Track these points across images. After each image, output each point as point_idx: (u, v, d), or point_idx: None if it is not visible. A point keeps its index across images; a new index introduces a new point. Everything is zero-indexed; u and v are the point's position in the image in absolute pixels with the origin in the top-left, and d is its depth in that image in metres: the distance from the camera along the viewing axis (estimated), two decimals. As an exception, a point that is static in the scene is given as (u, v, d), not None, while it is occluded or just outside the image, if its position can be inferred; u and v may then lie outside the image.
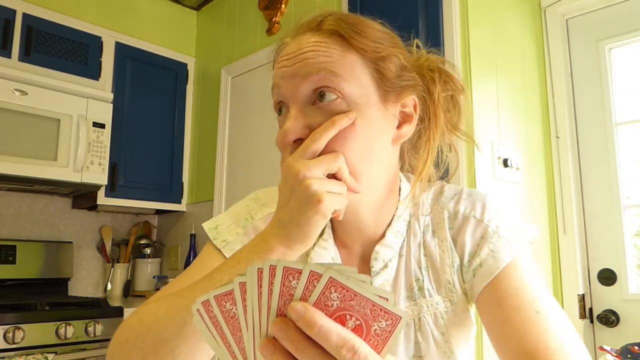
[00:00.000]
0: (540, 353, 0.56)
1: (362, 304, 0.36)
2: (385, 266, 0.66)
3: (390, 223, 0.67)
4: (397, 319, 0.36)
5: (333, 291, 0.36)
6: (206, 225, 0.74)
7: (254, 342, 0.38)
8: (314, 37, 0.61)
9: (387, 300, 0.36)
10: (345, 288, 0.36)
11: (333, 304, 0.36)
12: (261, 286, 0.37)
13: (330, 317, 0.36)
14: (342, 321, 0.36)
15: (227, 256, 0.69)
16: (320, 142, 0.56)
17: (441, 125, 0.67)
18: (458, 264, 0.66)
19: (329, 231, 0.69)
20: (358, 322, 0.36)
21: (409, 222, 0.69)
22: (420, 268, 0.67)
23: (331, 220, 0.69)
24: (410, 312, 0.66)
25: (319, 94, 0.58)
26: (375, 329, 0.36)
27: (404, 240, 0.68)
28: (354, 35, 0.60)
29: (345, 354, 0.35)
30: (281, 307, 0.37)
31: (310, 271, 0.36)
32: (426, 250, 0.68)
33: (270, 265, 0.37)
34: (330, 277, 0.36)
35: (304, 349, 0.36)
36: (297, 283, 0.36)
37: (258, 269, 0.37)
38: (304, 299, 0.36)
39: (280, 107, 0.62)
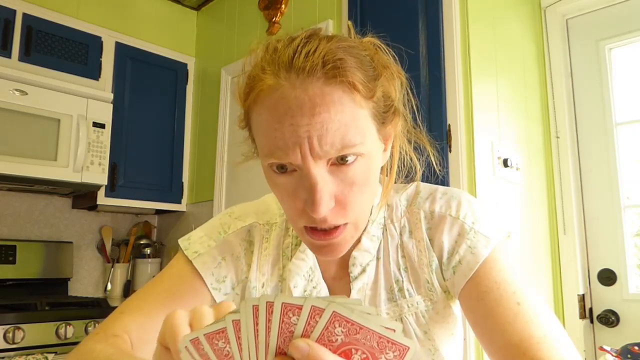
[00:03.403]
0: (525, 343, 0.57)
1: (368, 336, 0.35)
2: (364, 270, 0.67)
3: (365, 228, 0.68)
4: (405, 349, 0.35)
5: (337, 325, 0.35)
6: (181, 240, 0.74)
7: None
8: (317, 87, 0.54)
9: (394, 331, 0.35)
10: (349, 322, 0.35)
11: (337, 339, 0.35)
12: (257, 324, 0.35)
13: (335, 352, 0.35)
14: (347, 356, 0.35)
15: (198, 268, 0.68)
16: None
17: (402, 128, 0.67)
18: (436, 263, 0.66)
19: None
20: (364, 356, 0.35)
21: (385, 225, 0.70)
22: (399, 269, 0.68)
23: None
24: (391, 313, 0.66)
25: (340, 158, 0.55)
26: None
27: (380, 243, 0.69)
28: (357, 80, 0.55)
29: None
30: (280, 345, 0.35)
31: (312, 306, 0.35)
32: (404, 252, 0.68)
33: (267, 302, 0.35)
34: (334, 311, 0.34)
35: None
36: (298, 319, 0.35)
37: (253, 305, 0.35)
38: (305, 335, 0.35)
39: (283, 165, 0.56)
